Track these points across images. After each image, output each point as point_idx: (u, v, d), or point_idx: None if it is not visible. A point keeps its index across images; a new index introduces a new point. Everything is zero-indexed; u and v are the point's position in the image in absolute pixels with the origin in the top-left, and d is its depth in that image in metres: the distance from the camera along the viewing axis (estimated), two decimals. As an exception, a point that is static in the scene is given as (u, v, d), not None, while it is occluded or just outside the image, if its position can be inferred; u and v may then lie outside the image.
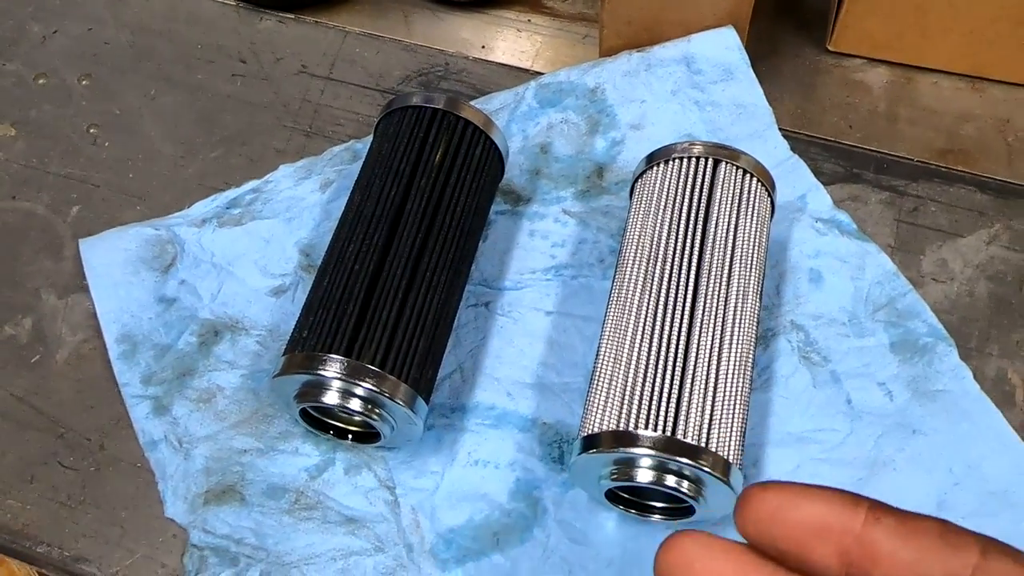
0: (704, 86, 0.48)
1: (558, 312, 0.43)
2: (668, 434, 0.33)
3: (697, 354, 0.35)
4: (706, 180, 0.39)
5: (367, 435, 0.39)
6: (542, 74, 0.51)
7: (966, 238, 0.45)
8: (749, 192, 0.39)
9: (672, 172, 0.40)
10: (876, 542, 0.19)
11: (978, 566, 0.19)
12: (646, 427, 0.33)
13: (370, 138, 0.45)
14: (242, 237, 0.45)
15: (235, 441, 0.40)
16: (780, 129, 0.47)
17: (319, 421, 0.39)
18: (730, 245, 0.37)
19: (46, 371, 0.43)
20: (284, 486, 0.39)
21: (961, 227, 0.45)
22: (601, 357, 0.36)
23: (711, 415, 0.34)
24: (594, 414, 0.35)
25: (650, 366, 0.35)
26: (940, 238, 0.45)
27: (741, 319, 0.36)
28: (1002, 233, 0.45)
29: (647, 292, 0.37)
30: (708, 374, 0.34)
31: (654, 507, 0.37)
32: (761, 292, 0.38)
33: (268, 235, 0.45)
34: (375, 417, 0.36)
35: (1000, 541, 0.19)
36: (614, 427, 0.34)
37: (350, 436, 0.39)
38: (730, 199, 0.38)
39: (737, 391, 0.35)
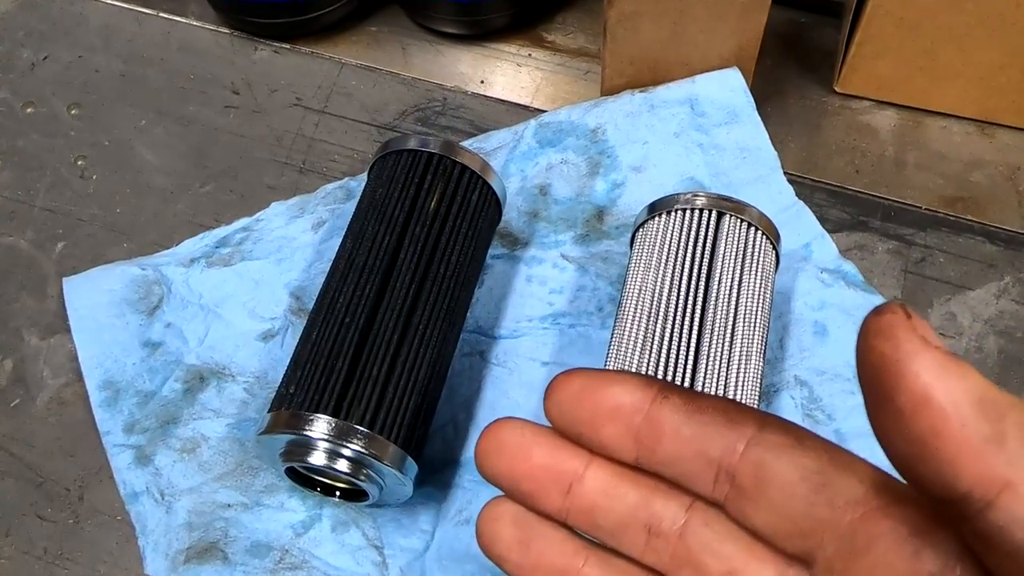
0: (708, 128, 0.47)
1: (554, 363, 0.42)
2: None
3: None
4: (709, 234, 0.38)
5: (355, 492, 0.37)
6: (541, 111, 0.49)
7: (975, 291, 0.44)
8: (753, 246, 0.38)
9: (674, 224, 0.38)
10: (662, 419, 0.20)
11: (753, 438, 0.20)
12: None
13: (364, 176, 0.44)
14: (231, 278, 0.44)
15: (219, 495, 0.39)
16: (785, 173, 0.46)
17: (306, 477, 0.37)
18: (733, 303, 0.36)
19: (26, 416, 0.42)
20: (269, 543, 0.38)
21: (970, 279, 0.44)
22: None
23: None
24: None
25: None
26: (948, 291, 0.44)
27: (744, 382, 0.35)
28: (1012, 287, 0.44)
29: (647, 352, 0.35)
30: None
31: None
32: (764, 352, 0.37)
33: (258, 276, 0.44)
34: (363, 478, 0.35)
35: (780, 418, 0.20)
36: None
37: (338, 493, 0.38)
38: (734, 254, 0.37)
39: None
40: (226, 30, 0.53)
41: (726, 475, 0.20)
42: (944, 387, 0.16)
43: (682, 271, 0.37)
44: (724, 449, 0.20)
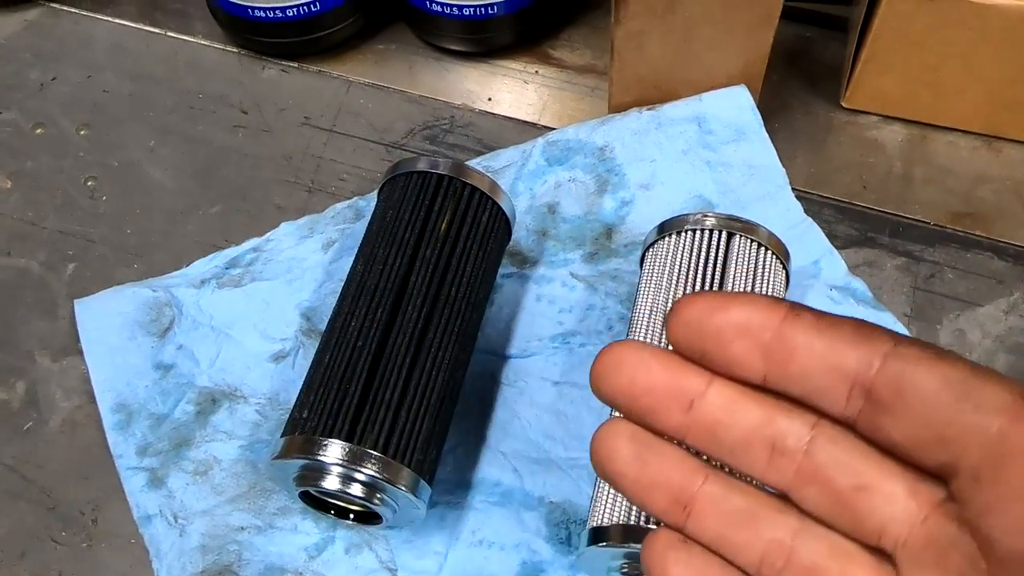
0: (716, 146, 0.47)
1: (565, 382, 0.42)
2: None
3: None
4: (719, 254, 0.38)
5: (369, 515, 0.37)
6: (549, 128, 0.50)
7: (984, 307, 0.44)
8: (764, 267, 0.38)
9: (684, 244, 0.38)
10: (793, 336, 0.20)
11: (890, 352, 0.20)
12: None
13: (373, 195, 0.44)
14: (242, 299, 0.44)
15: (232, 517, 0.39)
16: (793, 189, 0.46)
17: (319, 500, 0.37)
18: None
19: (38, 439, 0.42)
20: (282, 567, 0.38)
21: (979, 295, 0.44)
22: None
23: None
24: (603, 504, 0.33)
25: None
26: (958, 307, 0.44)
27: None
28: (1021, 302, 0.44)
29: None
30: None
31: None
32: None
33: (268, 297, 0.44)
34: (377, 502, 0.35)
35: (914, 337, 0.21)
36: (624, 520, 0.32)
37: (351, 516, 0.38)
38: (744, 275, 0.37)
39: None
40: (233, 49, 0.54)
41: (860, 390, 0.20)
42: None
43: (692, 291, 0.37)
44: (859, 363, 0.20)
